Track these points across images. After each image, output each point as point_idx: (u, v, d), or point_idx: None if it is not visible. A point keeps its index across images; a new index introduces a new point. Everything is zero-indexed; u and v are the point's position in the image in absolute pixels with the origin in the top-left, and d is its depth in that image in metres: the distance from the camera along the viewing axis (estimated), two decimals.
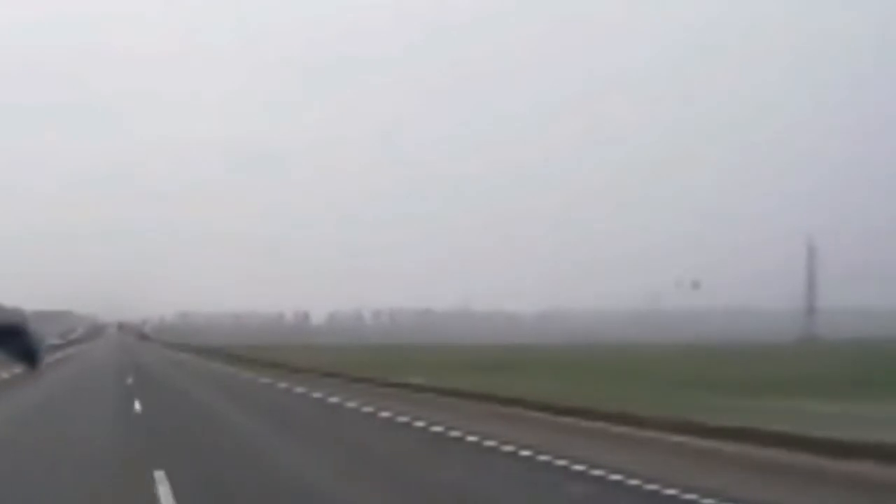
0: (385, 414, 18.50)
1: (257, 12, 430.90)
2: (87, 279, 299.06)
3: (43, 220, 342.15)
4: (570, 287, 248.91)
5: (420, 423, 16.44)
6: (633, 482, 9.74)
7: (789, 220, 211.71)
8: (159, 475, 9.87)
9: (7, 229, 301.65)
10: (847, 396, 18.76)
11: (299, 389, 26.88)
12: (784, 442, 11.79)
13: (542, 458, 11.77)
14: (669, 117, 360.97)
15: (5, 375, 28.87)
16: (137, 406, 20.21)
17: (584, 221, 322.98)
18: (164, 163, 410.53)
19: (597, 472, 10.42)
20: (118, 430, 15.85)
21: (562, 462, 11.32)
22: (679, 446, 12.85)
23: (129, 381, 30.18)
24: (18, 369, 32.10)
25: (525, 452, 12.27)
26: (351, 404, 21.17)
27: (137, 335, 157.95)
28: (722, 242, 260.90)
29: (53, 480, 10.25)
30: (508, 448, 12.74)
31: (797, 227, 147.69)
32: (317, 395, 24.70)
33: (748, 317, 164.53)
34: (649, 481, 9.63)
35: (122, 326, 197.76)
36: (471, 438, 14.04)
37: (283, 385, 29.29)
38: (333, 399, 22.95)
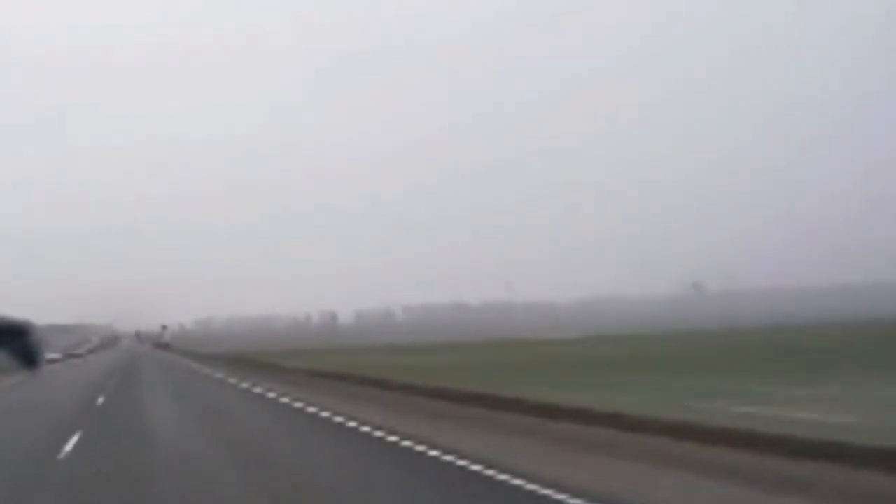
0: None
1: (257, 12, 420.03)
2: (105, 290, 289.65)
3: (57, 232, 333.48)
4: (601, 275, 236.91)
5: None
6: None
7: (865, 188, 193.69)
8: None
9: (23, 244, 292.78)
10: None
11: (509, 479, 8.35)
12: None
13: None
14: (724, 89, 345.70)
15: None
16: None
17: (625, 209, 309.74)
18: (177, 169, 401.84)
19: None
20: None
21: None
22: None
23: (68, 448, 12.45)
24: None
25: None
26: None
27: (154, 344, 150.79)
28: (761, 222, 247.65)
29: None
30: None
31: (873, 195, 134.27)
32: None
33: (820, 295, 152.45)
34: None
35: (139, 335, 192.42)
36: None
37: (457, 461, 9.72)
38: None
